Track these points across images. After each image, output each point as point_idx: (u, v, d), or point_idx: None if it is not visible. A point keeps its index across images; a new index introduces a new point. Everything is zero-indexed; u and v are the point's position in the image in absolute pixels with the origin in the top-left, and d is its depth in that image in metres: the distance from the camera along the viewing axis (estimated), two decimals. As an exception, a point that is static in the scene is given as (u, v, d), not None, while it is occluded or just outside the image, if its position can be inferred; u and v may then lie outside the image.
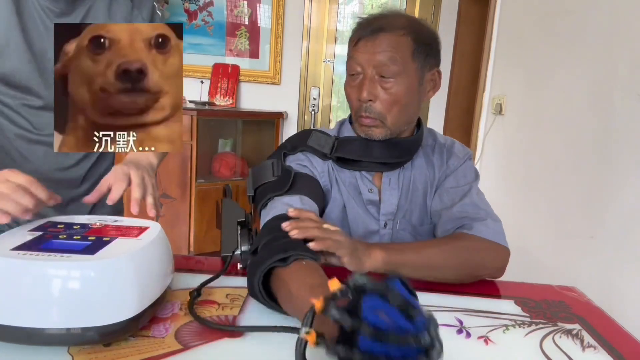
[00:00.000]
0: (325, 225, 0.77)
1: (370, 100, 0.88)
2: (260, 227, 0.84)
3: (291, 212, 0.78)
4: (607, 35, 1.67)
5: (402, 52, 0.86)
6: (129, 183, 0.75)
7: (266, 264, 0.68)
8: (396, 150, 0.93)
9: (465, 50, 3.31)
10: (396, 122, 0.89)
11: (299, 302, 0.60)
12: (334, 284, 0.46)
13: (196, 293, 0.72)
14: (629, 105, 1.53)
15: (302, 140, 0.97)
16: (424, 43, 0.89)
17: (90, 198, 0.74)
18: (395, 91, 0.87)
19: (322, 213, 0.95)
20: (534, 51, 2.15)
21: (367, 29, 0.88)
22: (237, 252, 0.82)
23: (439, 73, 0.94)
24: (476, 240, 0.85)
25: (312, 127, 3.32)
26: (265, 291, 0.68)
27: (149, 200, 0.76)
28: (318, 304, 0.44)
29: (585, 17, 1.81)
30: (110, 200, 0.72)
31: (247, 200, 0.95)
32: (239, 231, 0.84)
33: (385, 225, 0.96)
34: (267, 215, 0.84)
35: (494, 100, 2.46)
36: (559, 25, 1.97)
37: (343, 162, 0.95)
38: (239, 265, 0.83)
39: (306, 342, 0.46)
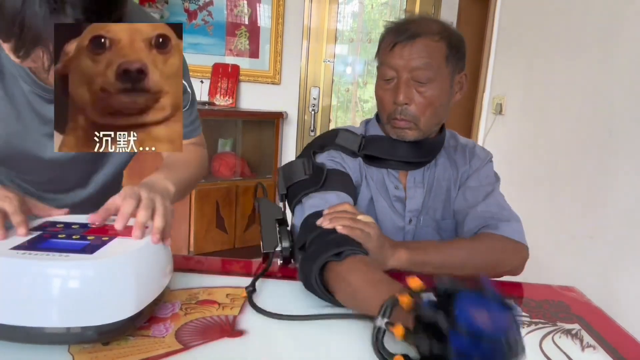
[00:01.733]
0: (359, 217, 0.81)
1: (406, 104, 0.91)
2: (296, 223, 0.89)
3: (326, 211, 0.82)
4: (607, 35, 1.67)
5: (437, 57, 0.90)
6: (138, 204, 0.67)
7: (322, 258, 0.72)
8: (420, 150, 0.97)
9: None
10: (429, 124, 0.94)
11: (361, 296, 0.65)
12: (415, 282, 0.49)
13: (252, 288, 0.75)
14: (629, 105, 1.53)
15: (330, 140, 1.01)
16: (456, 47, 0.92)
17: (96, 218, 0.67)
18: (429, 95, 0.91)
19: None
20: (534, 51, 2.15)
21: (403, 35, 0.90)
22: (278, 248, 0.86)
23: (466, 76, 0.98)
24: (500, 240, 0.89)
25: (312, 128, 3.33)
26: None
27: (157, 222, 0.66)
28: (405, 299, 0.47)
29: (585, 17, 1.81)
30: (118, 224, 0.64)
31: (251, 198, 0.99)
32: (278, 228, 0.89)
33: (410, 222, 1.00)
34: (303, 211, 0.87)
35: (494, 100, 2.46)
36: (559, 25, 1.97)
37: (370, 159, 0.99)
38: (279, 261, 0.88)
39: (384, 331, 0.49)
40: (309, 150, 1.01)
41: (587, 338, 0.70)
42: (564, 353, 0.65)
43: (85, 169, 0.91)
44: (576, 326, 0.74)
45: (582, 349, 0.67)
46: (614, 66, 1.62)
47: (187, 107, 0.96)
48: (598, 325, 0.75)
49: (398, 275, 0.82)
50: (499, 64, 2.47)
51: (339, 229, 0.76)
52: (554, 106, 1.97)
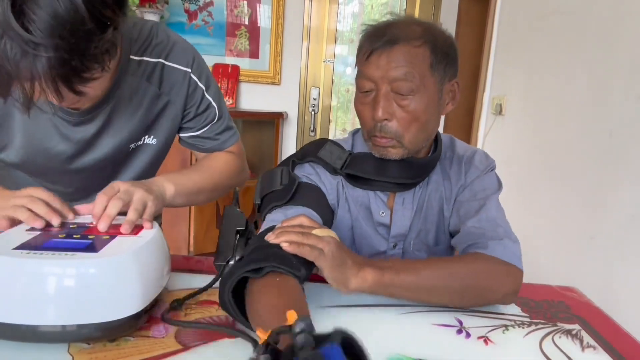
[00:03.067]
0: (315, 231, 0.69)
1: (386, 120, 0.79)
2: None
3: (283, 223, 0.73)
4: (607, 35, 1.67)
5: (420, 65, 0.78)
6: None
7: (237, 273, 0.62)
8: (412, 170, 0.86)
9: (465, 50, 3.30)
10: (414, 140, 0.81)
11: (259, 322, 0.57)
12: (292, 316, 0.39)
13: (176, 304, 0.68)
14: (629, 105, 1.53)
15: (314, 150, 0.90)
16: (443, 53, 0.80)
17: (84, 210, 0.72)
18: (413, 108, 0.79)
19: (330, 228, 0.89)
20: (534, 51, 2.15)
21: (380, 41, 0.79)
22: (232, 262, 0.76)
23: (458, 84, 0.85)
24: (488, 262, 0.75)
25: (312, 128, 3.33)
26: (239, 303, 0.63)
27: (130, 215, 0.69)
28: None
29: (585, 17, 1.81)
30: (101, 227, 0.66)
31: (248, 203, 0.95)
32: (237, 240, 0.80)
33: (394, 246, 0.91)
34: (264, 226, 0.79)
35: (494, 100, 2.46)
36: (559, 26, 1.97)
37: (354, 179, 0.88)
38: None
39: None
40: (290, 159, 0.92)
41: (587, 338, 0.70)
42: (564, 353, 0.65)
43: (108, 177, 0.92)
44: (576, 326, 0.74)
45: (582, 349, 0.67)
46: (614, 66, 1.62)
47: (214, 121, 0.97)
48: (598, 326, 0.75)
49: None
50: (499, 64, 2.47)
51: (285, 246, 0.65)
52: (554, 106, 1.97)
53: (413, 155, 0.85)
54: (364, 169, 0.85)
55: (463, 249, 0.81)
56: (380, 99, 0.79)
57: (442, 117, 0.97)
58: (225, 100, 3.03)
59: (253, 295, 0.62)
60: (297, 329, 0.35)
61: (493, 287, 0.74)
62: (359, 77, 0.83)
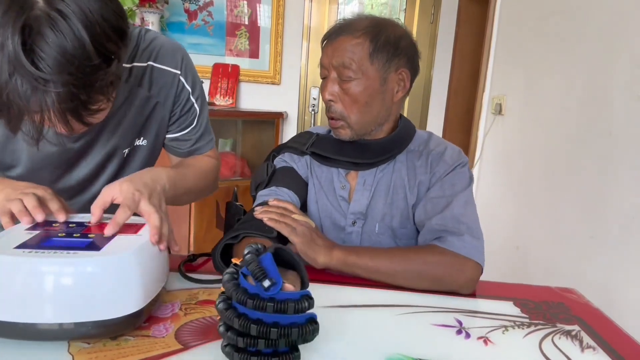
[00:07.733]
0: (295, 215, 0.86)
1: (332, 101, 0.92)
2: None
3: (272, 202, 0.90)
4: (607, 35, 1.67)
5: (358, 54, 0.89)
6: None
7: (223, 241, 0.82)
8: (367, 151, 0.96)
9: (465, 50, 3.30)
10: (359, 121, 0.92)
11: None
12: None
13: (192, 257, 0.88)
14: (628, 105, 1.53)
15: (286, 142, 1.09)
16: (386, 44, 0.89)
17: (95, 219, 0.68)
18: (353, 91, 0.90)
19: (305, 203, 1.03)
20: (533, 51, 2.15)
21: (329, 33, 0.94)
22: None
23: (406, 74, 0.93)
24: (444, 254, 0.83)
25: (312, 127, 3.33)
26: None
27: (164, 230, 0.69)
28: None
29: (584, 17, 1.81)
30: (109, 231, 0.64)
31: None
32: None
33: (353, 224, 0.98)
34: (254, 205, 0.95)
35: (493, 100, 2.46)
36: (559, 25, 1.97)
37: (320, 158, 1.01)
38: None
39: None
40: (271, 153, 1.09)
41: (587, 339, 0.70)
42: (564, 354, 0.65)
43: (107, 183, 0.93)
44: (576, 327, 0.74)
45: (582, 350, 0.67)
46: (614, 66, 1.62)
47: (194, 124, 0.97)
48: (598, 327, 0.75)
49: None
50: (499, 64, 2.47)
51: (266, 221, 0.83)
52: (554, 106, 1.97)
53: (368, 138, 0.96)
54: (325, 148, 0.99)
55: (426, 243, 0.88)
56: (328, 82, 0.92)
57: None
58: (225, 100, 3.04)
59: (236, 254, 0.80)
60: (245, 251, 0.56)
61: (446, 278, 0.82)
62: (319, 66, 0.96)
